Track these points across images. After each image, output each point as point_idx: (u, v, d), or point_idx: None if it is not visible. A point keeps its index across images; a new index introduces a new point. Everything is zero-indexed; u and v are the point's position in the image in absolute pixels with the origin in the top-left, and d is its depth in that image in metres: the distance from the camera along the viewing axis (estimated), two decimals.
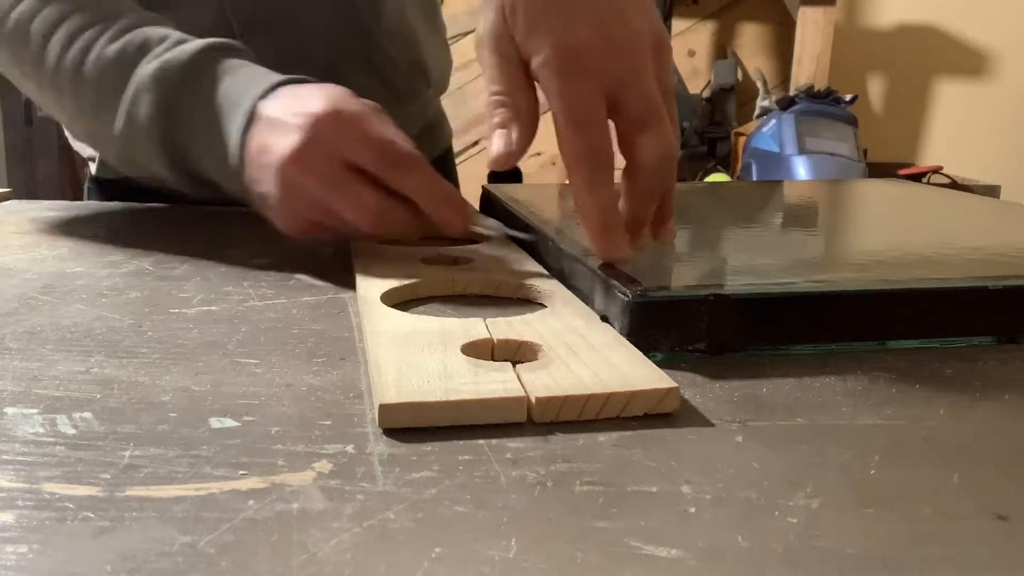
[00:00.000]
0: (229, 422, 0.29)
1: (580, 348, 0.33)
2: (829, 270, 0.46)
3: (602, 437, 0.28)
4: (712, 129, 2.42)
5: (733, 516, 0.23)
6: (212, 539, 0.22)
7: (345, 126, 0.46)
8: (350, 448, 0.27)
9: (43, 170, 2.41)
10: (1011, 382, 0.34)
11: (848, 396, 0.32)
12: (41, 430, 0.28)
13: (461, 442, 0.28)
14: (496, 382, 0.30)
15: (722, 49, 2.52)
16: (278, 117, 0.47)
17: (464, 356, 0.33)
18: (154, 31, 0.55)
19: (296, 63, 0.56)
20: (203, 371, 0.34)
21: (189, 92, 0.52)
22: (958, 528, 0.23)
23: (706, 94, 2.49)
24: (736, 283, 0.37)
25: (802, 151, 1.97)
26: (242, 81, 0.51)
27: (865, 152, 2.05)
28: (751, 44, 2.52)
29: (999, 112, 2.50)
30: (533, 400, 0.29)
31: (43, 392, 0.31)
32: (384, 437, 0.28)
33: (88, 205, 0.73)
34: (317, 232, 0.49)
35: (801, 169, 1.96)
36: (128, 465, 0.26)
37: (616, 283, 0.36)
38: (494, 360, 0.33)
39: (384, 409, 0.28)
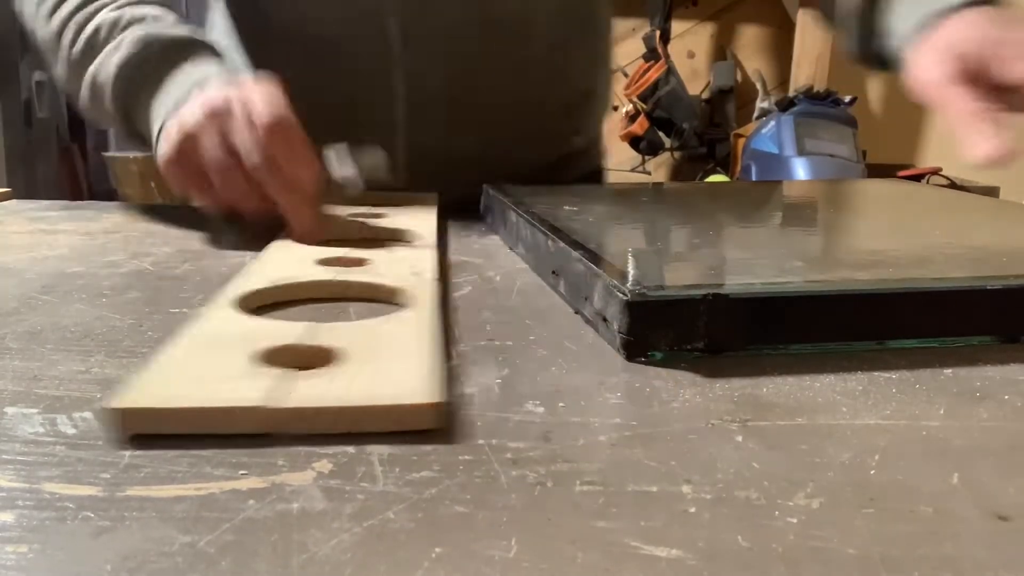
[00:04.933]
0: None
1: (380, 356, 0.32)
2: (829, 269, 0.46)
3: (602, 437, 0.28)
4: (711, 131, 2.42)
5: (733, 516, 0.23)
6: (212, 539, 0.22)
7: (235, 115, 0.52)
8: (350, 448, 0.27)
9: (43, 171, 2.41)
10: (1011, 382, 0.34)
11: (848, 396, 0.32)
12: (41, 430, 0.28)
13: (461, 442, 0.28)
14: (254, 390, 0.29)
15: (721, 51, 2.53)
16: (188, 105, 0.55)
17: (251, 362, 0.31)
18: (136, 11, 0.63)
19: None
20: None
21: (142, 83, 0.60)
22: (958, 528, 0.23)
23: (705, 96, 2.50)
24: (735, 282, 0.37)
25: (801, 152, 1.97)
26: (181, 80, 0.59)
27: (864, 153, 2.05)
28: (750, 46, 2.52)
29: None
30: (278, 409, 0.28)
31: (43, 392, 0.31)
32: (384, 436, 0.28)
33: (88, 205, 0.73)
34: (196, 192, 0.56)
35: (800, 170, 1.96)
36: (128, 465, 0.26)
37: (615, 282, 0.36)
38: (296, 366, 0.31)
39: (113, 413, 0.27)
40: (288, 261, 0.47)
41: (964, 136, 0.49)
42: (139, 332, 0.38)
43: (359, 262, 0.47)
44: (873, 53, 0.65)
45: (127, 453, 0.26)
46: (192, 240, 0.58)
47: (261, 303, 0.41)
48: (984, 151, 0.48)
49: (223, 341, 0.33)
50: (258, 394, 0.28)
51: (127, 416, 0.27)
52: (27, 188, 2.31)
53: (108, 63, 0.60)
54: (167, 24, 0.62)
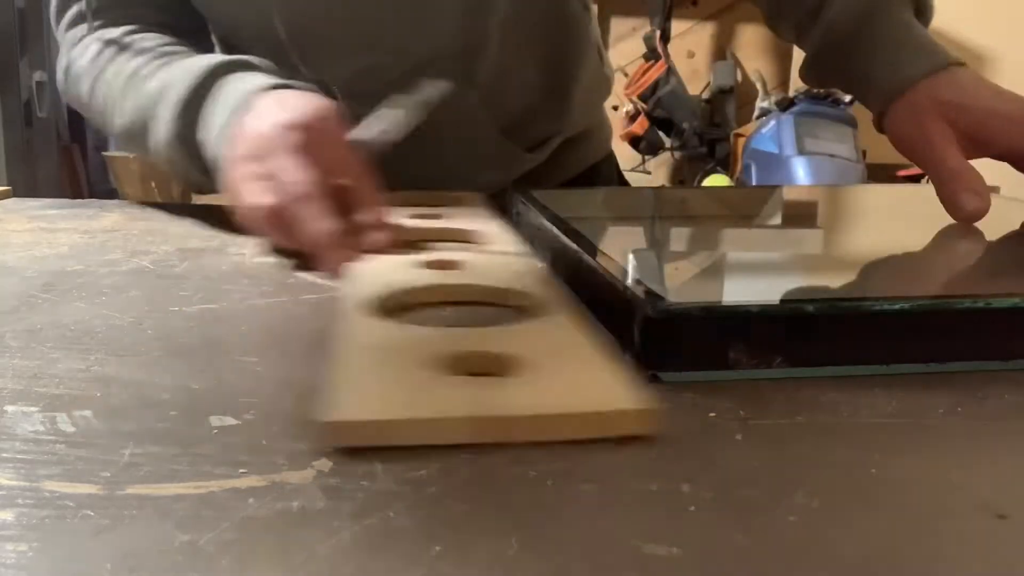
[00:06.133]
0: (229, 420, 0.29)
1: (563, 362, 0.32)
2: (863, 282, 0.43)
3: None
4: (711, 130, 2.42)
5: (733, 514, 0.23)
6: (212, 537, 0.22)
7: (314, 140, 0.50)
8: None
9: (43, 170, 2.41)
10: (1011, 381, 0.34)
11: (848, 395, 0.32)
12: (41, 428, 0.28)
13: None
14: (459, 399, 0.28)
15: (721, 51, 2.53)
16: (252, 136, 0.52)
17: (427, 371, 0.31)
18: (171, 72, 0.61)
19: None
20: (203, 369, 0.34)
21: (196, 120, 0.58)
22: (958, 527, 0.23)
23: (706, 96, 2.50)
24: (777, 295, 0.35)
25: (801, 152, 1.98)
26: (230, 99, 0.56)
27: (864, 153, 2.05)
28: (750, 46, 2.52)
29: None
30: (490, 418, 0.28)
31: (43, 390, 0.31)
32: None
33: (88, 203, 0.73)
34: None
35: (800, 170, 1.96)
36: (128, 463, 0.26)
37: (638, 296, 0.34)
38: (466, 374, 0.31)
39: (331, 427, 0.27)
40: (390, 266, 0.46)
41: (954, 192, 0.56)
42: (139, 330, 0.38)
43: (451, 264, 0.46)
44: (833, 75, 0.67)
45: (127, 451, 0.26)
46: (192, 238, 0.58)
47: (387, 308, 0.40)
48: (975, 207, 0.55)
49: (392, 351, 0.33)
50: (465, 404, 0.28)
51: (339, 429, 0.27)
52: (27, 188, 2.31)
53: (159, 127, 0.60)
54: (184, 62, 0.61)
